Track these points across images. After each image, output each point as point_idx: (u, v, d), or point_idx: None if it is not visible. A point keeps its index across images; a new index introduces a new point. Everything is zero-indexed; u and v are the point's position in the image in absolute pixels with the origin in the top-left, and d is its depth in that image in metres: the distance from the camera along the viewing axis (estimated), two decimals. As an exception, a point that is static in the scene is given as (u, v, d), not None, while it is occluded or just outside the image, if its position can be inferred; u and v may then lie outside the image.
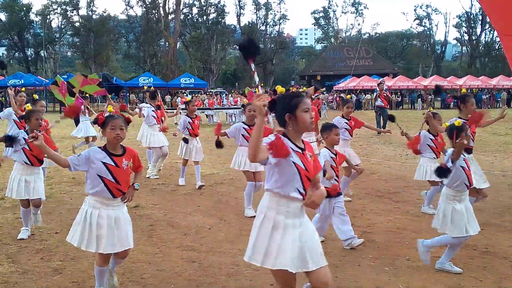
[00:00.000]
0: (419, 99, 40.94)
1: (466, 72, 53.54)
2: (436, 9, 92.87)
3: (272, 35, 67.09)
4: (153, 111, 9.33)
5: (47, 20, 60.95)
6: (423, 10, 67.42)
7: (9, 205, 6.87)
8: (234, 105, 25.32)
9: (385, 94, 18.23)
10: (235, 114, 23.87)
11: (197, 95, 32.88)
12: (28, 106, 6.69)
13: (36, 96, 8.13)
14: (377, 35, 73.77)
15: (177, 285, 4.16)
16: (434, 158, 6.61)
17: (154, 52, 59.58)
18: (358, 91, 41.02)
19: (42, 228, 5.76)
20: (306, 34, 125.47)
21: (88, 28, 58.13)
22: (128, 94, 39.07)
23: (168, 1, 58.28)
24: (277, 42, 65.35)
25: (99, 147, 3.68)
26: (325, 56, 60.33)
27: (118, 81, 39.99)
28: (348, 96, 10.00)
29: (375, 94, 21.31)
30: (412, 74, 55.41)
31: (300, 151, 2.94)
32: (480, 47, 64.21)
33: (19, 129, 7.26)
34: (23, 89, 10.17)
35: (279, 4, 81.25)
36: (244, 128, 6.50)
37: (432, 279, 4.27)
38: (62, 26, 62.89)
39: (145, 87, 9.97)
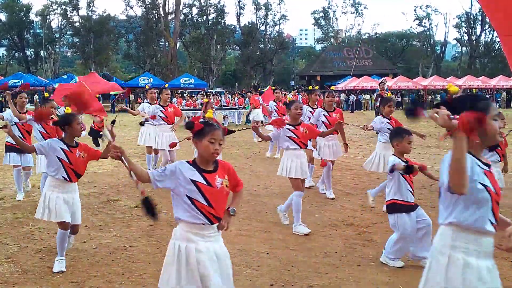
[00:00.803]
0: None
1: (466, 72, 53.51)
2: (436, 9, 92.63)
3: (272, 35, 67.03)
4: (161, 110, 8.73)
5: (47, 20, 60.89)
6: (423, 11, 67.37)
7: (9, 205, 6.88)
8: (238, 106, 24.51)
9: (385, 94, 17.96)
10: (230, 115, 22.94)
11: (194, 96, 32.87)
12: (54, 112, 6.55)
13: (47, 94, 7.68)
14: (377, 35, 73.72)
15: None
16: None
17: (154, 52, 59.53)
18: (358, 91, 41.02)
19: (42, 228, 5.76)
20: (306, 34, 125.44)
21: (88, 28, 58.08)
22: (128, 94, 39.01)
23: (168, 1, 58.30)
24: (277, 42, 65.27)
25: (187, 162, 3.00)
26: (325, 56, 60.32)
27: (118, 81, 39.90)
28: (389, 94, 10.04)
29: (375, 94, 21.08)
30: (412, 75, 55.38)
31: (487, 168, 2.48)
32: (480, 47, 64.17)
33: (22, 134, 7.07)
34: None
35: (279, 4, 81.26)
36: (288, 129, 5.80)
37: (432, 279, 4.26)
38: (62, 26, 62.83)
39: (147, 87, 9.80)
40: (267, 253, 4.96)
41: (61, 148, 4.43)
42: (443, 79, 43.18)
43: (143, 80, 37.88)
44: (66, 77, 37.28)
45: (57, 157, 4.42)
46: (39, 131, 6.86)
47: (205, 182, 2.89)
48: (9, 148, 7.18)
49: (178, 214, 2.95)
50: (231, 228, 5.86)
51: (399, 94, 42.38)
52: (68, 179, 4.47)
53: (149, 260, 4.74)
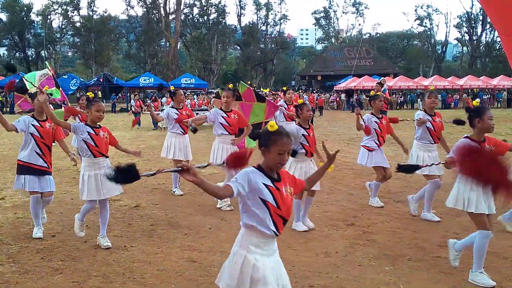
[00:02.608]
0: (419, 99, 40.93)
1: (467, 72, 53.51)
2: (436, 9, 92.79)
3: (272, 35, 67.07)
4: (175, 113, 7.57)
5: (48, 20, 60.97)
6: (424, 10, 67.39)
7: (9, 205, 6.87)
8: None
9: (382, 97, 17.11)
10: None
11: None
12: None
13: (92, 95, 6.41)
14: (378, 35, 73.72)
15: (177, 285, 4.16)
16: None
17: (155, 52, 59.58)
18: (358, 91, 41.04)
19: (43, 228, 5.77)
20: (306, 34, 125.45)
21: (88, 28, 58.16)
22: (128, 94, 39.04)
23: (169, 1, 58.32)
24: (277, 42, 65.33)
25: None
26: (325, 56, 60.37)
27: (118, 81, 39.95)
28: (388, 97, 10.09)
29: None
30: (412, 74, 55.38)
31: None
32: (481, 47, 64.14)
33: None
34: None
35: (280, 4, 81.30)
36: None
37: (433, 279, 4.27)
38: (63, 26, 62.91)
39: (172, 88, 8.09)
40: (268, 253, 4.95)
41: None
42: (444, 79, 43.17)
43: (144, 80, 37.86)
44: (67, 77, 37.27)
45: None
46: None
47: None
48: (24, 169, 5.36)
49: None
50: (232, 228, 5.87)
51: (401, 94, 42.41)
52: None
53: (149, 260, 4.74)
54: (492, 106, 41.82)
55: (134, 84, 39.44)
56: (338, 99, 41.86)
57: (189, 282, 4.19)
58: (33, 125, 5.32)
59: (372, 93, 7.73)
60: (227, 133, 6.81)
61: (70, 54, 76.29)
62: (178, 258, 4.80)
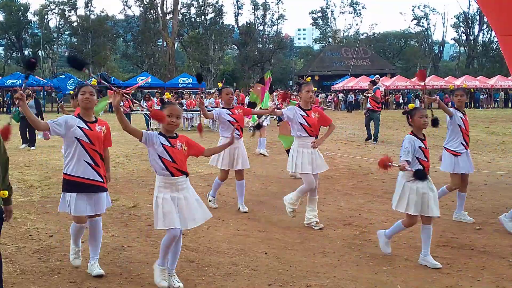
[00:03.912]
0: (417, 99, 41.02)
1: (464, 72, 53.65)
2: (433, 9, 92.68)
3: (270, 35, 67.06)
4: (227, 113, 6.61)
5: (45, 20, 60.81)
6: (421, 10, 67.55)
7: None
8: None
9: (371, 95, 15.07)
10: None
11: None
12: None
13: (169, 96, 5.94)
14: (375, 35, 73.82)
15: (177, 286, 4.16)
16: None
17: (152, 52, 59.48)
18: (356, 91, 41.08)
19: (40, 228, 5.76)
20: (304, 34, 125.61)
21: (86, 28, 58.06)
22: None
23: (166, 1, 58.26)
24: (275, 42, 65.30)
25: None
26: (323, 56, 60.42)
27: (116, 81, 39.87)
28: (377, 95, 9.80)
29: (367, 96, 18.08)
30: (410, 74, 55.45)
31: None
32: (478, 47, 64.30)
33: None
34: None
35: (277, 4, 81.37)
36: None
37: (430, 278, 4.28)
38: (60, 26, 62.78)
39: (220, 84, 7.54)
40: (265, 253, 4.96)
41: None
42: (441, 79, 43.28)
43: (141, 79, 37.83)
44: (64, 76, 37.25)
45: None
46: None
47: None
48: (71, 186, 4.17)
49: None
50: (229, 228, 5.87)
51: (399, 93, 42.48)
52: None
53: (147, 260, 4.73)
54: (489, 106, 41.96)
55: (131, 84, 39.36)
56: (336, 99, 41.91)
57: (187, 282, 4.19)
58: (79, 127, 4.15)
59: (451, 87, 7.41)
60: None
61: (67, 54, 76.08)
62: (176, 258, 4.79)
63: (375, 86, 15.23)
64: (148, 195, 7.56)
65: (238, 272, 4.42)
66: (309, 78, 5.93)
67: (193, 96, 29.82)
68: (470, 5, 62.93)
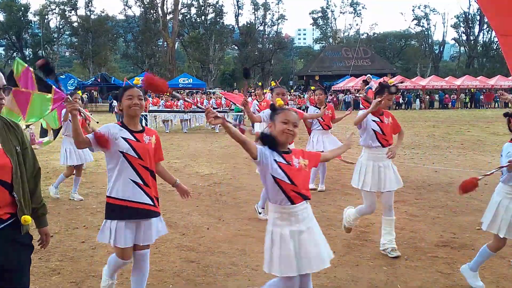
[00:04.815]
0: (417, 99, 41.05)
1: (464, 72, 53.63)
2: (434, 9, 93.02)
3: (270, 35, 67.07)
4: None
5: (45, 20, 60.90)
6: (421, 10, 67.57)
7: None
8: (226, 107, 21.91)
9: (363, 96, 14.60)
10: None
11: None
12: None
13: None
14: (375, 35, 73.83)
15: (175, 285, 4.16)
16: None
17: (152, 52, 59.54)
18: (356, 91, 41.09)
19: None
20: (304, 34, 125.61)
21: (86, 28, 58.14)
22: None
23: (166, 1, 58.31)
24: (275, 42, 65.32)
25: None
26: (323, 56, 60.39)
27: (116, 82, 39.93)
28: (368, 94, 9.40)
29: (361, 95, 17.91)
30: (410, 74, 55.52)
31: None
32: (478, 47, 64.30)
33: None
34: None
35: (278, 4, 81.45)
36: None
37: (430, 279, 4.28)
38: (60, 26, 62.85)
39: (273, 83, 7.48)
40: (266, 253, 4.96)
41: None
42: (442, 79, 43.28)
43: (141, 80, 37.89)
44: (64, 77, 37.30)
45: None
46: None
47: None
48: (117, 211, 3.43)
49: None
50: (229, 228, 5.87)
51: (399, 93, 42.45)
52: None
53: (147, 260, 4.73)
54: (489, 106, 41.96)
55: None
56: (335, 99, 41.92)
57: (187, 282, 4.19)
58: (125, 138, 3.38)
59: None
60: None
61: (67, 54, 76.17)
62: (176, 258, 4.80)
63: (367, 86, 14.93)
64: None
65: (238, 272, 4.42)
66: (392, 80, 4.74)
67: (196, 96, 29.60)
68: (470, 5, 63.01)
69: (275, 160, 3.00)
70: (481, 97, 41.49)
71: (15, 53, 62.72)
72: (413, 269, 4.52)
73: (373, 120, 4.94)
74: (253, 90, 22.31)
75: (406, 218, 6.32)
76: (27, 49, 62.31)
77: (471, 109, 40.16)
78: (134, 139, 3.39)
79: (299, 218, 3.02)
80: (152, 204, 3.43)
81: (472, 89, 43.37)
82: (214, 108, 21.60)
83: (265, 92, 13.91)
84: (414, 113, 31.64)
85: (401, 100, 41.58)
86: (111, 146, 3.31)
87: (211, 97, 24.07)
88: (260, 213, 6.34)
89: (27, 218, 2.50)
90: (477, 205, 7.02)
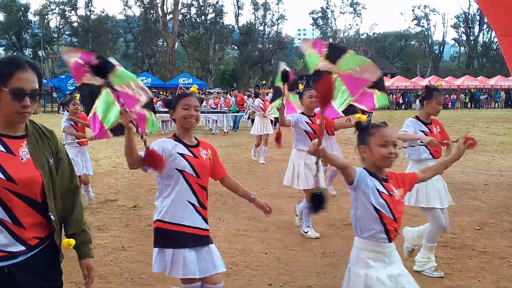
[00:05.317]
0: (417, 100, 41.01)
1: (464, 72, 53.61)
2: (434, 9, 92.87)
3: (270, 35, 67.05)
4: (306, 121, 5.80)
5: (45, 20, 60.86)
6: (421, 11, 67.53)
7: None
8: (224, 108, 21.26)
9: None
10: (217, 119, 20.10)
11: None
12: None
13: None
14: (375, 35, 73.79)
15: (175, 284, 4.16)
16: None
17: (152, 52, 59.52)
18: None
19: None
20: (304, 34, 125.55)
21: (86, 28, 58.14)
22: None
23: (166, 1, 58.28)
24: (275, 42, 65.28)
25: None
26: (323, 56, 60.25)
27: (116, 81, 39.92)
28: None
29: None
30: (410, 74, 55.47)
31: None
32: (478, 48, 64.28)
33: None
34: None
35: (277, 4, 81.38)
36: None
37: (430, 279, 4.28)
38: (60, 26, 62.81)
39: (300, 86, 6.96)
40: (266, 253, 4.96)
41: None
42: (442, 79, 43.21)
43: (141, 80, 37.88)
44: (64, 77, 37.25)
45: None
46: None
47: None
48: (169, 238, 3.05)
49: None
50: (229, 228, 5.87)
51: (399, 93, 42.47)
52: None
53: (147, 260, 4.73)
54: (489, 106, 41.96)
55: (131, 84, 39.42)
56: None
57: (187, 282, 4.18)
58: (181, 154, 2.98)
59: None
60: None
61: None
62: (176, 258, 4.79)
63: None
64: (149, 196, 7.55)
65: (238, 272, 4.42)
66: (439, 83, 4.28)
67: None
68: (470, 5, 62.99)
69: (377, 189, 2.57)
70: (481, 97, 41.47)
71: (15, 53, 62.66)
72: (412, 269, 4.51)
73: (421, 130, 4.40)
74: (252, 91, 22.29)
75: (406, 218, 6.31)
76: (27, 49, 62.28)
77: (471, 109, 40.16)
78: (192, 155, 3.00)
79: (393, 260, 2.59)
80: (207, 228, 3.04)
81: (472, 89, 43.36)
82: (213, 108, 21.62)
83: (268, 93, 13.91)
84: (414, 113, 31.50)
85: (401, 100, 41.59)
86: (165, 167, 2.86)
87: (209, 98, 23.98)
88: (297, 216, 5.88)
89: (71, 242, 2.16)
90: (477, 205, 7.02)
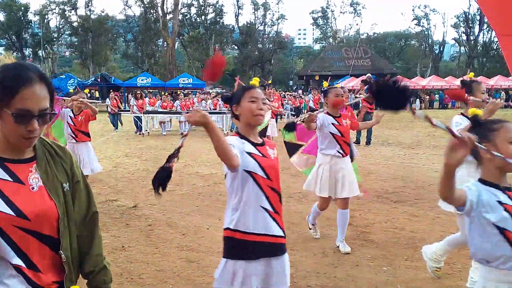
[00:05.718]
0: (417, 99, 41.03)
1: (464, 72, 53.57)
2: (434, 9, 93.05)
3: (270, 35, 67.10)
4: (332, 123, 5.25)
5: (45, 20, 60.89)
6: (421, 10, 67.55)
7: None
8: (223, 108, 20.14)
9: (364, 96, 13.54)
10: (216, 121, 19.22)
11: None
12: None
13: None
14: (375, 35, 73.84)
15: (175, 285, 4.17)
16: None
17: (152, 52, 59.55)
18: (356, 91, 41.09)
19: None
20: (304, 34, 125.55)
21: (86, 28, 58.18)
22: (126, 94, 39.11)
23: (166, 1, 58.30)
24: (275, 42, 65.33)
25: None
26: (323, 56, 60.37)
27: (116, 81, 39.90)
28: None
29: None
30: (410, 74, 55.51)
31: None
32: (478, 47, 64.28)
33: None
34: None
35: (278, 4, 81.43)
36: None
37: (430, 279, 4.28)
38: (60, 26, 62.84)
39: (326, 84, 6.52)
40: (266, 253, 4.95)
41: None
42: (442, 79, 43.30)
43: (141, 80, 37.88)
44: (64, 76, 37.27)
45: None
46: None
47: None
48: (240, 248, 2.66)
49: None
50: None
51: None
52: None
53: (147, 260, 4.74)
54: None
55: (131, 84, 39.45)
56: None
57: (187, 282, 4.19)
58: (249, 153, 2.62)
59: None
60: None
61: (67, 54, 76.13)
62: (176, 258, 4.80)
63: (367, 86, 14.49)
64: (149, 196, 7.55)
65: (238, 272, 4.41)
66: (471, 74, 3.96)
67: (193, 96, 29.59)
68: (470, 5, 62.98)
69: (498, 200, 2.09)
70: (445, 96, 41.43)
71: (15, 53, 62.72)
72: (413, 269, 4.52)
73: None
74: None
75: (406, 218, 6.32)
76: (27, 49, 62.32)
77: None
78: (260, 154, 2.65)
79: None
80: (283, 236, 2.67)
81: (472, 89, 43.30)
82: (211, 109, 21.34)
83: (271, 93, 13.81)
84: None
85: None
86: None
87: (208, 98, 23.80)
88: (310, 229, 5.53)
89: None
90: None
